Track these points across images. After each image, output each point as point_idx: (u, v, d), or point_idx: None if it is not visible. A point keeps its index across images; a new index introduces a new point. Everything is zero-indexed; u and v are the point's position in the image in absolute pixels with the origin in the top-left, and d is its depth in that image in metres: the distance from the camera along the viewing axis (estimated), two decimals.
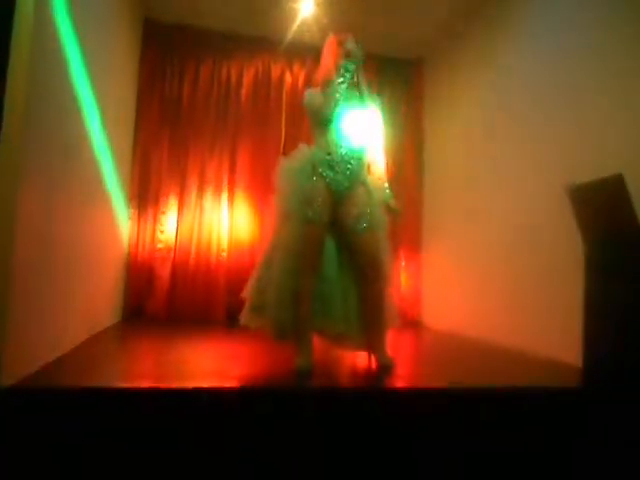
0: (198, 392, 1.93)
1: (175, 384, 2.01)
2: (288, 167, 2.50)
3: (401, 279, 4.66)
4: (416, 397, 2.08)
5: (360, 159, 2.52)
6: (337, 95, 2.46)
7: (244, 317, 2.46)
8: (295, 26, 4.26)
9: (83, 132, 2.68)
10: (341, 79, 2.49)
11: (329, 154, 2.45)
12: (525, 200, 3.26)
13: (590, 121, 2.75)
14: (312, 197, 2.38)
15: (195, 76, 4.50)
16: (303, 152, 2.52)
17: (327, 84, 2.46)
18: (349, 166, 2.47)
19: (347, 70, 2.51)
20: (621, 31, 2.59)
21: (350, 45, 2.51)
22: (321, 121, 2.48)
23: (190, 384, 2.03)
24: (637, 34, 2.49)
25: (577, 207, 2.24)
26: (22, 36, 1.84)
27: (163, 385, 2.02)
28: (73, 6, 2.31)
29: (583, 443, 2.03)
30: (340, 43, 2.53)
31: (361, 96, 2.57)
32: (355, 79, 2.56)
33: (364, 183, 2.53)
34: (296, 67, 4.69)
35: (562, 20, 3.05)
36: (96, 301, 3.24)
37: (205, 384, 2.09)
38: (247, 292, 2.48)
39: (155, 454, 1.76)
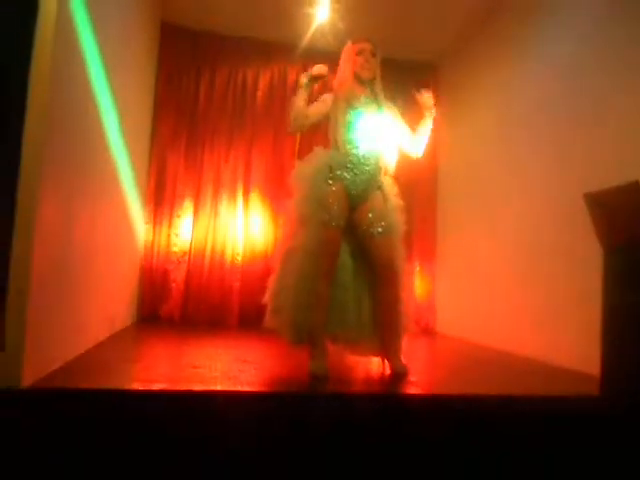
0: (212, 396, 1.94)
1: (189, 387, 2.03)
2: (305, 171, 2.50)
3: (415, 285, 4.64)
4: (430, 404, 2.07)
5: (377, 163, 2.52)
6: (352, 103, 2.48)
7: (266, 320, 2.46)
8: (311, 31, 4.29)
9: (102, 136, 2.71)
10: (357, 87, 2.51)
11: (347, 157, 2.45)
12: (543, 206, 3.23)
13: (609, 125, 2.72)
14: (329, 201, 2.38)
15: (211, 80, 4.55)
16: (320, 155, 2.53)
17: (343, 91, 2.49)
18: (366, 169, 2.47)
19: (363, 81, 2.53)
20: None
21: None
22: (337, 124, 2.48)
23: (204, 387, 2.05)
24: None
25: (594, 214, 2.21)
26: (44, 41, 1.87)
27: (177, 388, 2.04)
28: (93, 10, 2.35)
29: (601, 453, 2.00)
30: (359, 52, 2.53)
31: (378, 101, 2.57)
32: (372, 88, 2.57)
33: (380, 187, 2.53)
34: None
35: (579, 22, 3.02)
36: (112, 303, 3.27)
37: (218, 387, 2.11)
38: (268, 296, 2.48)
39: (167, 457, 1.77)
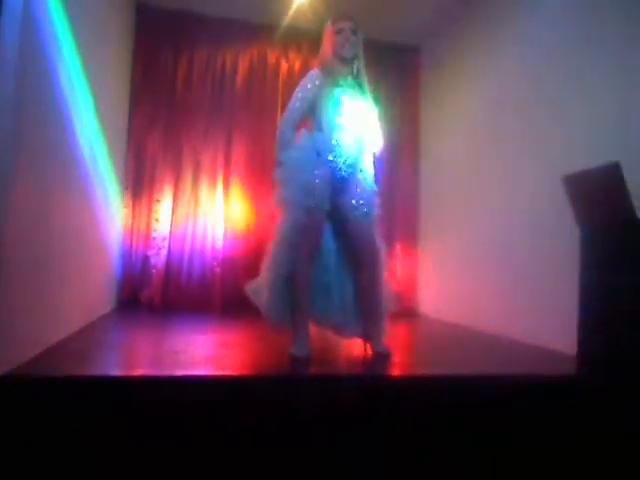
0: (194, 380, 1.93)
1: (170, 372, 2.01)
2: (292, 155, 2.44)
3: (397, 267, 4.66)
4: (411, 385, 2.09)
5: (360, 146, 2.50)
6: (334, 84, 2.45)
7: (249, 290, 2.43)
8: (291, 12, 4.22)
9: (77, 119, 2.64)
10: (339, 67, 2.48)
11: (332, 140, 2.43)
12: (525, 188, 3.25)
13: (588, 106, 2.73)
14: (314, 185, 2.37)
15: (190, 62, 4.45)
16: (306, 139, 2.48)
17: (325, 72, 2.45)
18: (351, 152, 2.45)
19: (345, 60, 2.49)
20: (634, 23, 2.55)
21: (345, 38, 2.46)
22: (321, 108, 2.45)
23: (185, 372, 2.03)
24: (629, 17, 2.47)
25: (573, 195, 2.24)
26: (12, 23, 1.81)
27: (158, 373, 2.02)
28: None
29: (576, 431, 2.04)
30: (338, 30, 2.49)
31: (360, 83, 2.54)
32: (354, 67, 2.54)
33: (362, 170, 2.52)
34: (292, 53, 4.64)
35: (571, 4, 3.00)
36: (91, 289, 3.22)
37: (201, 372, 2.10)
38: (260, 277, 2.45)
39: (150, 443, 1.76)
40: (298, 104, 2.45)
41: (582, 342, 2.29)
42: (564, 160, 2.69)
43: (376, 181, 2.61)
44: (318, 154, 2.42)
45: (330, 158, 2.42)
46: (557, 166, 2.58)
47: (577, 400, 2.09)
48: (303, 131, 2.52)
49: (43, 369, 1.93)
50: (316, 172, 2.39)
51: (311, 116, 2.51)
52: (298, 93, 2.47)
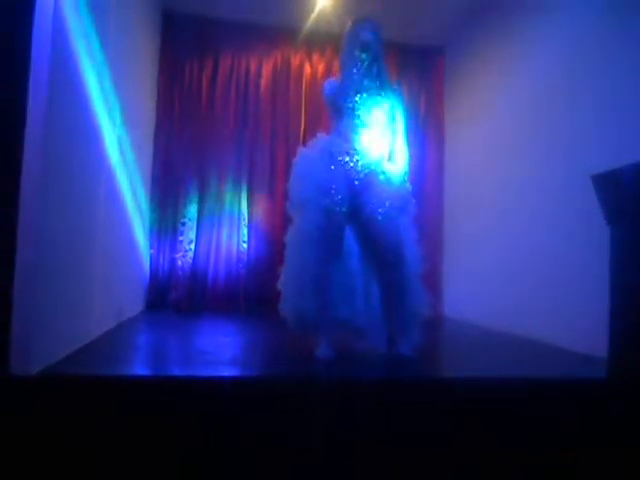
0: (220, 381, 1.95)
1: (197, 373, 2.04)
2: (306, 156, 2.49)
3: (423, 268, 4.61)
4: (439, 387, 2.07)
5: (379, 148, 2.50)
6: (353, 85, 2.46)
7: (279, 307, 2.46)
8: (313, 16, 4.24)
9: (104, 129, 2.70)
10: (355, 69, 2.48)
11: (348, 142, 2.44)
12: (554, 187, 3.18)
13: (613, 107, 2.67)
14: (329, 185, 2.37)
15: (214, 68, 4.51)
16: (321, 141, 2.52)
17: (345, 74, 2.47)
18: (367, 155, 2.45)
19: (362, 60, 2.49)
20: None
21: (364, 36, 2.48)
22: (339, 110, 2.47)
23: (212, 373, 2.06)
24: None
25: (602, 194, 2.19)
26: (42, 36, 1.86)
27: (186, 373, 2.06)
28: (92, 2, 2.33)
29: (608, 435, 2.00)
30: (357, 33, 2.50)
31: (381, 85, 2.54)
32: (373, 68, 2.53)
33: (383, 172, 2.51)
34: (315, 57, 4.66)
35: (585, 5, 2.94)
36: (120, 291, 3.29)
37: (227, 373, 2.12)
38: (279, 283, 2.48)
39: (176, 443, 1.78)
40: None
41: (613, 345, 2.24)
42: (595, 159, 2.64)
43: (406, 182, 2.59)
44: (332, 155, 2.42)
45: (345, 159, 2.42)
46: (588, 165, 2.52)
47: (609, 405, 2.04)
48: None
49: (75, 368, 1.97)
50: (330, 173, 2.39)
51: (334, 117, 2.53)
52: None
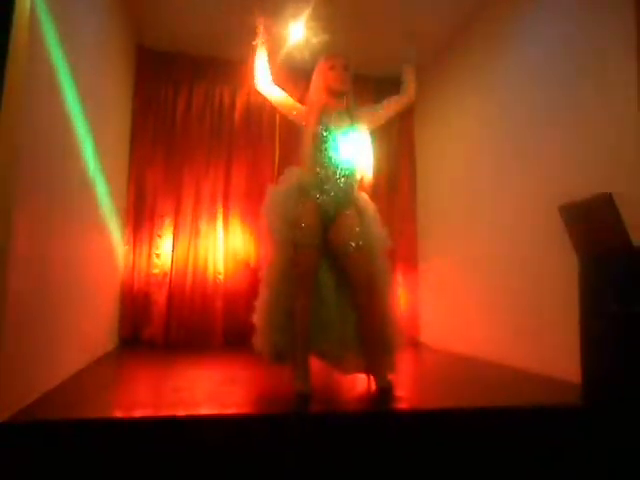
0: (196, 420, 1.91)
1: (173, 412, 2.00)
2: (276, 191, 2.53)
3: (398, 297, 4.64)
4: (417, 419, 2.07)
5: (349, 180, 2.53)
6: (325, 118, 2.50)
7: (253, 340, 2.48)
8: (286, 50, 4.31)
9: (78, 157, 2.69)
10: (330, 102, 2.54)
11: (317, 175, 2.47)
12: (524, 216, 3.25)
13: (586, 137, 2.76)
14: (300, 220, 2.40)
15: (189, 100, 4.54)
16: (291, 175, 2.56)
17: (315, 107, 2.52)
18: (337, 187, 2.48)
19: (338, 93, 2.56)
20: (615, 46, 2.60)
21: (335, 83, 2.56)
22: (310, 143, 2.50)
23: (187, 412, 2.02)
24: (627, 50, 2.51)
25: (569, 225, 2.26)
26: (16, 68, 1.86)
27: (160, 414, 2.01)
28: (66, 37, 2.34)
29: (585, 460, 2.02)
30: (331, 66, 2.56)
31: (351, 115, 2.59)
32: (344, 101, 2.59)
33: (355, 203, 2.54)
34: (289, 89, 4.70)
35: (559, 26, 3.04)
36: (91, 328, 3.21)
37: (203, 412, 2.08)
38: (254, 316, 2.50)
39: None
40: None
41: (586, 371, 2.28)
42: (564, 186, 2.71)
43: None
44: (301, 190, 2.45)
45: (316, 193, 2.45)
46: (556, 193, 2.59)
47: (583, 429, 2.07)
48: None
49: (44, 413, 1.91)
50: (301, 207, 2.42)
51: (299, 151, 2.57)
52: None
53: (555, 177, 2.96)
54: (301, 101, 2.75)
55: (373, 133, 2.71)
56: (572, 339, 2.34)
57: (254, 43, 2.66)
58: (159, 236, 4.30)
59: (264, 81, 2.63)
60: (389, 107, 2.67)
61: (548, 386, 2.66)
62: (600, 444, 2.04)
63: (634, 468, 1.96)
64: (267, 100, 2.67)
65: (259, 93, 2.67)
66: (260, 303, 2.46)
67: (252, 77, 2.68)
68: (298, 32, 4.03)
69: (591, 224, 2.11)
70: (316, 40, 4.05)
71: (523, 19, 3.38)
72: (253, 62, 2.65)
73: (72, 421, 1.83)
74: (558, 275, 2.80)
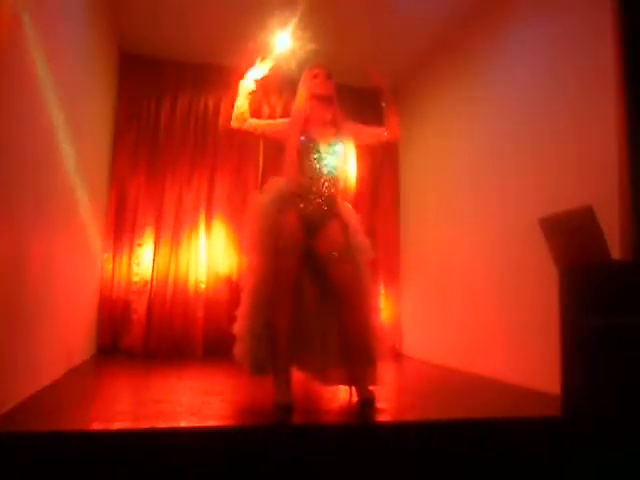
0: (175, 433, 1.88)
1: (151, 424, 1.96)
2: (259, 200, 2.53)
3: (381, 308, 4.65)
4: (398, 431, 2.06)
5: (331, 190, 2.53)
6: (309, 128, 2.51)
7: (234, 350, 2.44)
8: (272, 58, 4.32)
9: (58, 164, 2.64)
10: (313, 112, 2.56)
11: (299, 185, 2.47)
12: (506, 229, 3.29)
13: (566, 153, 2.81)
14: (283, 228, 2.39)
15: (172, 107, 4.53)
16: (275, 184, 2.56)
17: (299, 116, 2.52)
18: (320, 197, 2.49)
19: (321, 99, 2.57)
20: (593, 61, 2.66)
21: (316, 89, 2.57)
22: (293, 152, 2.50)
23: (167, 424, 1.98)
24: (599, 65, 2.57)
25: (549, 237, 2.28)
26: None
27: (139, 426, 1.97)
28: (47, 42, 2.32)
29: (564, 472, 2.03)
30: (315, 75, 2.58)
31: (336, 128, 2.60)
32: (329, 112, 2.60)
33: (338, 213, 2.54)
34: (273, 98, 4.74)
35: (539, 42, 3.10)
36: (70, 337, 3.15)
37: (182, 424, 2.05)
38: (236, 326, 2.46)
39: None
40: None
41: (566, 383, 2.29)
42: (544, 202, 2.75)
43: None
44: (283, 199, 2.45)
45: (299, 203, 2.45)
46: (538, 207, 2.63)
47: (563, 441, 2.08)
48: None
49: (18, 425, 1.86)
50: (282, 216, 2.42)
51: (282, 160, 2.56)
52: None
53: (534, 190, 3.01)
54: (286, 108, 2.76)
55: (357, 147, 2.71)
56: (552, 351, 2.36)
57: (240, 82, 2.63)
58: (139, 245, 4.26)
59: (243, 121, 2.57)
60: (374, 135, 2.68)
61: (528, 398, 2.68)
62: (580, 456, 2.05)
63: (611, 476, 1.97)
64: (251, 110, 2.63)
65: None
66: (241, 312, 2.43)
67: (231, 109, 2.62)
68: (283, 42, 4.06)
69: (571, 237, 2.14)
70: (301, 50, 4.09)
71: (507, 34, 3.45)
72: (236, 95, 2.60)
73: (48, 433, 1.78)
74: (538, 287, 2.84)
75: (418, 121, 4.65)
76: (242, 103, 2.57)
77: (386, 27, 3.95)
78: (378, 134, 2.69)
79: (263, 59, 2.66)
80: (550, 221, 2.24)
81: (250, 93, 2.60)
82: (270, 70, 2.67)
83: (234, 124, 2.58)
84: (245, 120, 2.56)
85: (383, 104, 2.68)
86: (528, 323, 2.98)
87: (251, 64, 2.67)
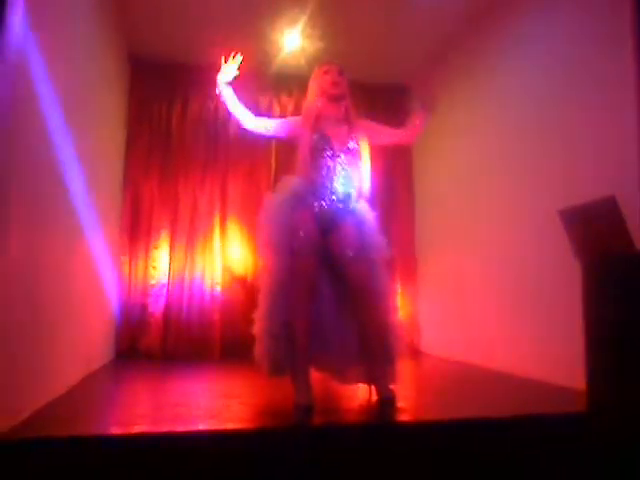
0: (195, 436, 1.87)
1: (170, 428, 1.95)
2: (273, 200, 2.49)
3: (398, 306, 4.60)
4: (420, 430, 2.03)
5: (347, 188, 2.50)
6: (321, 125, 2.48)
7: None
8: (282, 57, 4.31)
9: (71, 172, 2.65)
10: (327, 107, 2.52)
11: (314, 183, 2.44)
12: (525, 222, 3.23)
13: (584, 140, 2.74)
14: (297, 228, 2.36)
15: (184, 108, 4.52)
16: (287, 183, 2.52)
17: (311, 114, 2.50)
18: (335, 195, 2.45)
19: (333, 98, 2.54)
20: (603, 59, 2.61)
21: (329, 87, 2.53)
22: (306, 150, 2.47)
23: (186, 427, 1.97)
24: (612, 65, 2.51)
25: (570, 230, 2.22)
26: (5, 76, 1.83)
27: (158, 430, 1.96)
28: (58, 49, 2.32)
29: (588, 468, 1.97)
30: (326, 72, 2.55)
31: (349, 125, 2.56)
32: (342, 110, 2.57)
33: (353, 212, 2.51)
34: (284, 97, 4.72)
35: (551, 38, 3.04)
36: (87, 341, 3.17)
37: (201, 427, 2.04)
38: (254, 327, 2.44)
39: None
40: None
41: (591, 377, 2.24)
42: (563, 193, 2.69)
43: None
44: (298, 198, 2.42)
45: (313, 201, 2.42)
46: (557, 199, 2.57)
47: (587, 440, 2.03)
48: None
49: (38, 430, 1.86)
50: (297, 215, 2.39)
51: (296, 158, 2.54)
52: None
53: (550, 185, 2.95)
54: (297, 107, 2.73)
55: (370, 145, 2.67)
56: (574, 345, 2.30)
57: (217, 93, 2.59)
58: (156, 248, 4.27)
59: (249, 121, 2.54)
60: (390, 134, 2.67)
61: (550, 393, 2.63)
62: (606, 452, 2.00)
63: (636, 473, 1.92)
64: (261, 109, 2.61)
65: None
66: (259, 313, 2.41)
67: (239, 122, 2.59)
68: (293, 41, 4.04)
69: (593, 227, 2.08)
70: (310, 48, 4.07)
71: (519, 32, 3.39)
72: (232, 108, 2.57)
73: (67, 438, 1.78)
74: (557, 280, 2.78)
75: (434, 117, 4.57)
76: (233, 107, 2.54)
77: (397, 25, 3.90)
78: (393, 135, 2.66)
79: (227, 60, 2.61)
80: (570, 212, 2.19)
81: (231, 96, 2.56)
82: (238, 69, 2.62)
83: (245, 126, 2.56)
84: (250, 118, 2.53)
85: (415, 106, 2.64)
86: (548, 317, 2.92)
87: (251, 64, 2.64)
